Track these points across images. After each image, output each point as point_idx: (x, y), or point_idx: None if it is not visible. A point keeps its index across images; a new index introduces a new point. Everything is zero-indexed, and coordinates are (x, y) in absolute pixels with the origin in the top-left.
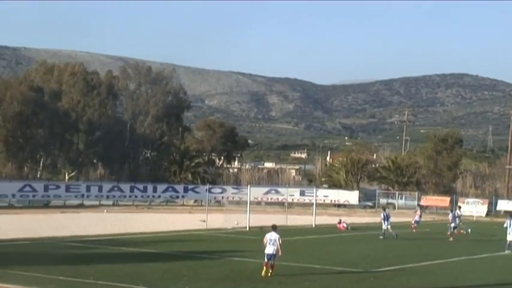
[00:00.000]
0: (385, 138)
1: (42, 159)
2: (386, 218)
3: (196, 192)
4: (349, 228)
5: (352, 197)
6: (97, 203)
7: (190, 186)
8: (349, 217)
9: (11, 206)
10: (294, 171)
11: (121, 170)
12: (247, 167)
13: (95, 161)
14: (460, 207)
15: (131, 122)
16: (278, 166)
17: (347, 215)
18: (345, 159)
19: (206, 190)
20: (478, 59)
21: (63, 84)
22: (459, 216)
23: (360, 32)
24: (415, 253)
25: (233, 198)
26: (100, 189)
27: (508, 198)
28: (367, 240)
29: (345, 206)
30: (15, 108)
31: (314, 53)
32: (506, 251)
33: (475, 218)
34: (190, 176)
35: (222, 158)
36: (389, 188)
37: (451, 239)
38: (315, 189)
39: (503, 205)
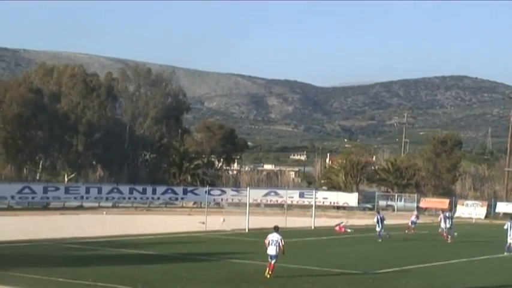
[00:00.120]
0: (384, 140)
1: (41, 161)
2: (381, 220)
3: (196, 194)
4: (349, 230)
5: (351, 199)
6: (96, 204)
7: (189, 188)
8: (349, 219)
9: (10, 208)
10: (293, 173)
11: (120, 172)
12: (246, 169)
13: (94, 162)
14: (451, 209)
15: (130, 123)
16: (277, 168)
17: (346, 217)
18: (344, 161)
19: (205, 192)
20: (477, 61)
21: (63, 86)
22: (450, 218)
23: (360, 34)
24: (414, 255)
25: (232, 200)
26: (99, 191)
27: (507, 201)
28: (366, 242)
29: (344, 208)
30: (14, 110)
31: (313, 55)
32: (505, 253)
33: (474, 220)
34: (189, 178)
35: (222, 160)
36: (389, 190)
37: (449, 241)
38: (314, 191)
39: (502, 207)
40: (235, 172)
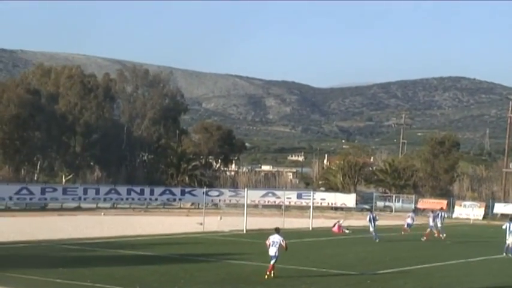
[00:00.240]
0: (382, 141)
1: (39, 162)
2: (373, 219)
3: (194, 195)
4: (347, 231)
5: (349, 200)
6: (94, 205)
7: (187, 189)
8: (346, 220)
9: (8, 209)
10: (291, 174)
11: (118, 173)
12: (244, 170)
13: (92, 163)
14: (442, 208)
15: (128, 124)
16: (275, 169)
17: (344, 218)
18: (342, 162)
19: (203, 193)
20: (475, 62)
21: (60, 87)
22: (440, 217)
23: (357, 35)
24: (412, 256)
25: (230, 201)
26: (97, 192)
27: (505, 201)
28: (364, 243)
29: (342, 209)
30: (12, 111)
31: (311, 56)
32: (504, 254)
33: (472, 221)
34: (187, 178)
35: (219, 161)
36: (387, 191)
37: (439, 236)
38: (312, 192)
39: (500, 208)
40: (233, 173)
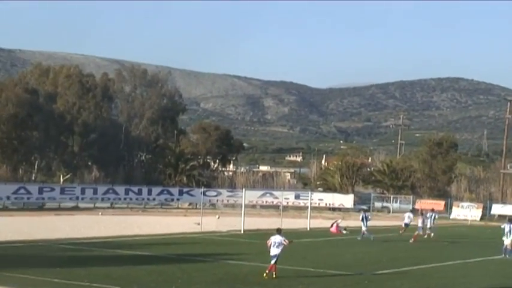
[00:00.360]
0: (380, 142)
1: (37, 162)
2: (365, 219)
3: (191, 195)
4: (344, 232)
5: (347, 200)
6: (92, 205)
7: (185, 189)
8: (344, 220)
9: (5, 208)
10: (289, 174)
11: (116, 173)
12: (242, 170)
13: (89, 163)
14: (433, 209)
15: (126, 124)
16: (273, 169)
17: (342, 218)
18: (340, 163)
19: (201, 193)
20: (473, 63)
21: (59, 86)
22: (431, 218)
23: (356, 36)
24: (409, 257)
25: (228, 201)
26: (95, 191)
27: (503, 202)
28: (362, 243)
29: (339, 209)
30: (10, 111)
31: (309, 56)
32: (502, 255)
33: (469, 222)
34: (185, 179)
35: (217, 161)
36: (384, 191)
37: (426, 235)
38: (310, 193)
39: (497, 209)
40: (230, 173)
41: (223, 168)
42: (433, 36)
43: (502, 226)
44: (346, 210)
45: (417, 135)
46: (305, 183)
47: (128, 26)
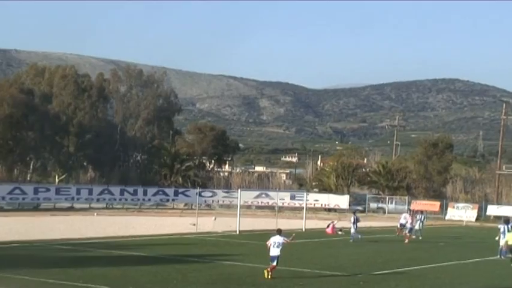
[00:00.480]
0: (375, 143)
1: (32, 162)
2: (356, 221)
3: (187, 195)
4: (340, 232)
5: (342, 201)
6: (87, 206)
7: (180, 190)
8: (340, 221)
9: (0, 209)
10: (284, 175)
11: (111, 173)
12: (237, 170)
13: (85, 163)
14: (422, 211)
15: (122, 125)
16: (269, 170)
17: (338, 219)
18: (336, 164)
19: (196, 194)
20: (469, 64)
21: (54, 86)
22: (420, 220)
23: (352, 37)
24: (404, 258)
25: (223, 201)
26: (90, 192)
27: (498, 203)
28: (357, 244)
29: (335, 210)
30: (5, 111)
31: (305, 57)
32: (498, 256)
33: (464, 223)
34: (180, 179)
35: (213, 161)
36: (380, 192)
37: (406, 241)
38: (305, 193)
39: (493, 210)
40: (226, 174)
41: (218, 169)
42: (428, 37)
43: (500, 226)
44: (342, 211)
45: (413, 136)
46: (301, 184)
47: (124, 26)
